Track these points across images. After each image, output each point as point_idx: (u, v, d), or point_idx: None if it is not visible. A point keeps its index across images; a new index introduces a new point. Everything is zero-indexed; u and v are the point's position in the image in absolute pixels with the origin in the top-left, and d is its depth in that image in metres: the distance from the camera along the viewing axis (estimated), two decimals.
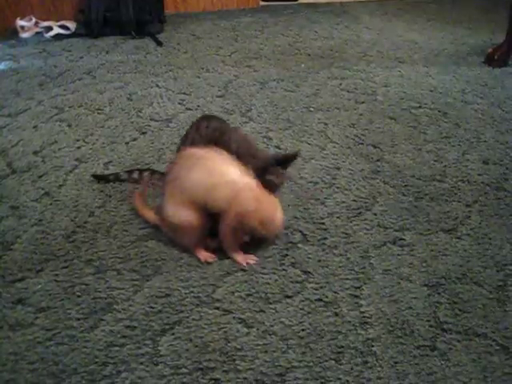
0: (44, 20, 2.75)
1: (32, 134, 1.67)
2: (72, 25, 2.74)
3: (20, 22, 2.66)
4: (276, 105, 1.88)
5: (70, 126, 1.73)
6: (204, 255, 1.13)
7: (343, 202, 1.32)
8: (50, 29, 2.68)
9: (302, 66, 2.30)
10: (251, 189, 1.07)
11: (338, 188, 1.38)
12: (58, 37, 2.66)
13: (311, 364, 0.89)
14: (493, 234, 1.22)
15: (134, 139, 1.63)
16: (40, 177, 1.43)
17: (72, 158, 1.52)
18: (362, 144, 1.61)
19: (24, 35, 2.67)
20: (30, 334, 0.95)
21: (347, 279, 1.07)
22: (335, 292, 1.04)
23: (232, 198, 1.05)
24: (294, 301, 1.02)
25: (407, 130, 1.70)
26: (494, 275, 1.09)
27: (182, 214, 1.08)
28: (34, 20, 2.70)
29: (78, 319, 0.98)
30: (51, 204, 1.31)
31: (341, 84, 2.08)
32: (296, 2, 3.53)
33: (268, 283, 1.06)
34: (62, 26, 2.71)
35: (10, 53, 2.44)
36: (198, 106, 1.87)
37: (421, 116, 1.81)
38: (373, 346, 0.93)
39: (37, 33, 2.72)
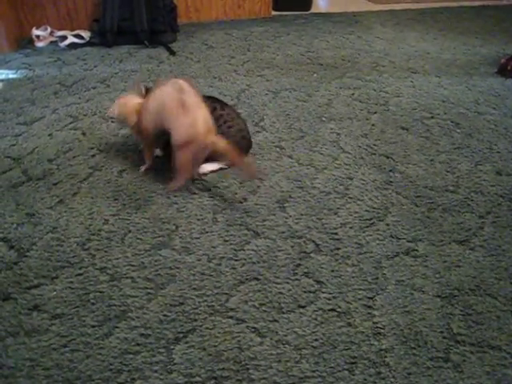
0: (59, 29, 2.79)
1: (47, 141, 1.69)
2: (86, 34, 2.78)
3: (36, 32, 2.71)
4: (288, 114, 1.89)
5: (84, 134, 1.75)
6: None
7: (356, 212, 1.32)
8: (64, 38, 2.72)
9: (315, 75, 2.31)
10: None
11: (350, 198, 1.38)
12: (72, 46, 2.70)
13: (324, 374, 0.89)
14: (506, 246, 1.21)
15: None
16: (55, 184, 1.45)
17: (86, 166, 1.54)
18: (374, 154, 1.61)
19: (39, 44, 2.72)
20: (46, 341, 0.96)
21: (360, 289, 1.08)
22: (348, 302, 1.04)
23: None
24: (307, 310, 1.02)
25: (419, 141, 1.70)
26: (508, 287, 1.09)
27: None
28: (49, 29, 2.75)
29: (93, 326, 0.99)
30: (66, 211, 1.33)
31: (353, 94, 2.09)
32: (308, 12, 3.56)
33: (281, 293, 1.06)
34: (76, 36, 2.75)
35: (25, 62, 2.47)
36: None
37: (433, 126, 1.81)
38: (386, 357, 0.93)
39: (52, 42, 2.76)
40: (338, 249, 1.19)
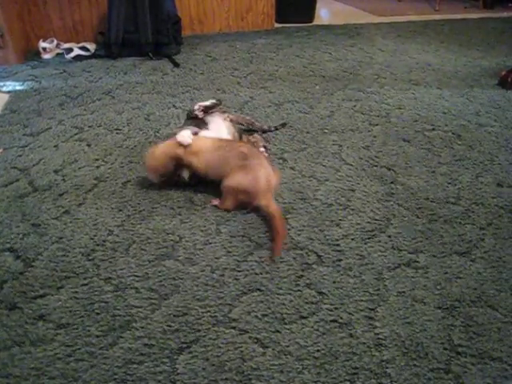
0: (65, 42, 2.84)
1: (53, 153, 1.71)
2: (92, 46, 2.83)
3: (42, 44, 2.75)
4: (291, 126, 1.91)
5: (89, 145, 1.77)
6: None
7: (358, 223, 1.34)
8: (70, 50, 2.76)
9: (317, 87, 2.34)
10: None
11: (352, 210, 1.39)
12: (78, 58, 2.75)
13: None
14: (507, 257, 1.22)
15: None
16: (60, 195, 1.47)
17: (91, 177, 1.56)
18: (376, 166, 1.62)
19: (46, 56, 2.76)
20: (51, 350, 0.97)
21: (362, 301, 1.08)
22: (350, 313, 1.05)
23: None
24: (309, 321, 1.03)
25: (421, 153, 1.72)
26: (509, 299, 1.09)
27: None
28: (55, 42, 2.79)
29: (98, 336, 1.00)
30: (71, 222, 1.34)
31: (355, 106, 2.11)
32: (311, 24, 3.60)
33: (283, 304, 1.07)
34: (82, 48, 2.79)
35: (32, 73, 2.51)
36: None
37: (434, 138, 1.82)
38: (387, 368, 0.93)
39: (58, 54, 2.81)
40: (340, 260, 1.20)
